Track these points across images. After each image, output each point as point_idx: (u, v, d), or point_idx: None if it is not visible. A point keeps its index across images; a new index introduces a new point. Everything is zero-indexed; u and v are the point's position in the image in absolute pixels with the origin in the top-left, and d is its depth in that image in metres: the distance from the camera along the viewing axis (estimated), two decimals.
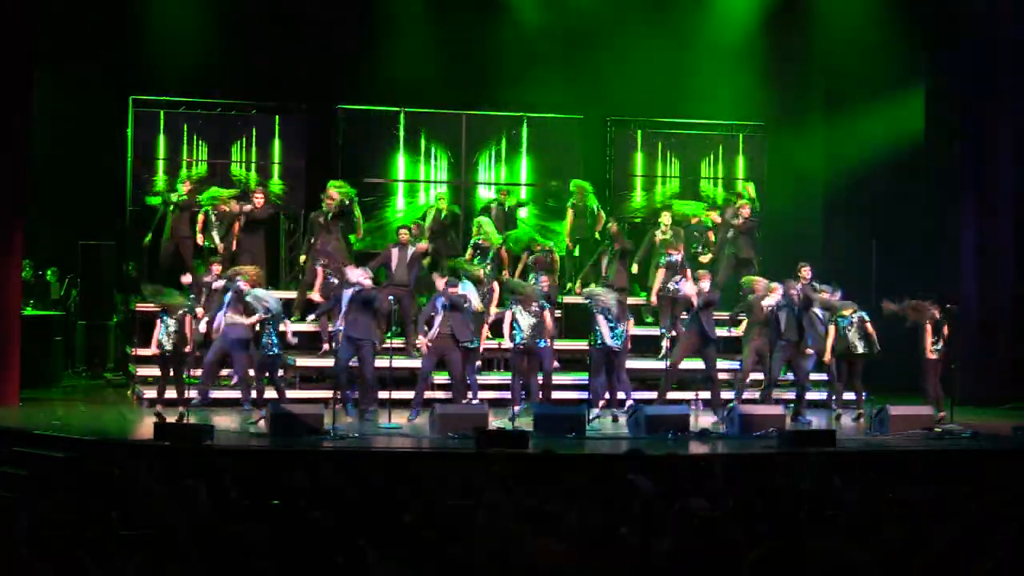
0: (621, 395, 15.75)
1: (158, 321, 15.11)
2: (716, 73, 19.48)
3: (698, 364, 16.26)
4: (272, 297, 15.36)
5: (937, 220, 19.13)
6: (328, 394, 15.27)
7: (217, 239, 17.37)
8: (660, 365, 16.43)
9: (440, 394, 15.85)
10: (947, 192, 18.97)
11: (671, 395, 16.20)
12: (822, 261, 19.35)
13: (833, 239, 20.03)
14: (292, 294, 17.44)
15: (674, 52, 19.45)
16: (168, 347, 14.94)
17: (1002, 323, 18.43)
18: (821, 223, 20.34)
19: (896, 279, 17.76)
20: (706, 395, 16.54)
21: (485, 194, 19.53)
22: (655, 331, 17.73)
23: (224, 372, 15.75)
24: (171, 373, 15.05)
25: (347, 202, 17.43)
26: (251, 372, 15.30)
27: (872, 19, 19.11)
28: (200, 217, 17.48)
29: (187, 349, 15.04)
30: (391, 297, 16.07)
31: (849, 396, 16.57)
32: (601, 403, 15.77)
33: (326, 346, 16.50)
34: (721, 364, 17.08)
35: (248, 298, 15.00)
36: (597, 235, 18.55)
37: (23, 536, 6.80)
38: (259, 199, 17.46)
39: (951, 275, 18.48)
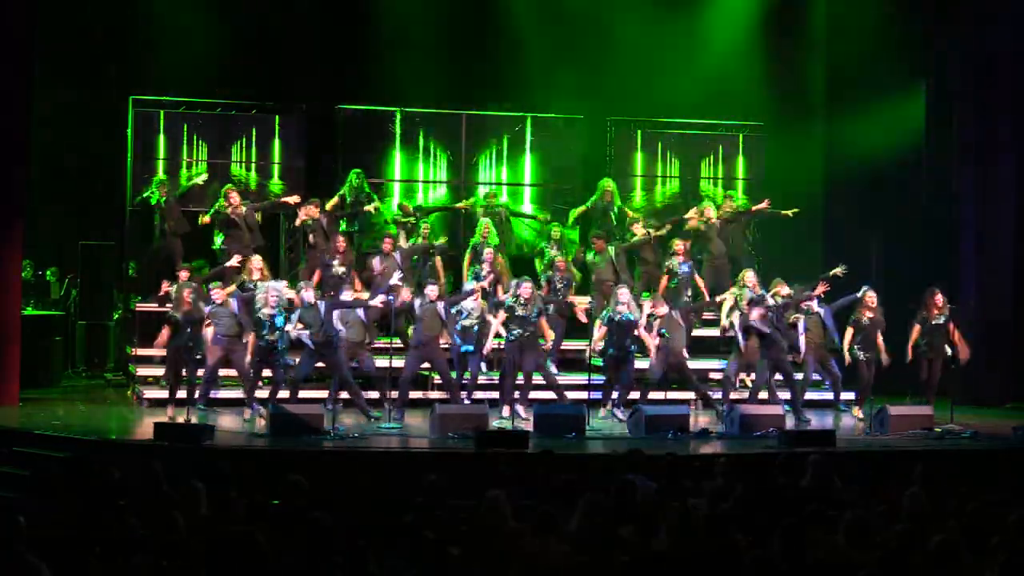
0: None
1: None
2: (716, 73, 19.45)
3: (696, 364, 16.34)
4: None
5: (937, 219, 19.10)
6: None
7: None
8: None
9: (435, 394, 15.89)
10: (947, 192, 18.94)
11: (671, 395, 16.16)
12: (821, 261, 19.34)
13: (833, 239, 20.00)
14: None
15: (674, 52, 19.43)
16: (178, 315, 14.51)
17: (1002, 323, 18.40)
18: (821, 223, 20.30)
19: (896, 279, 17.73)
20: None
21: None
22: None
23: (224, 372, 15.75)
24: (183, 372, 14.77)
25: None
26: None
27: (872, 19, 19.08)
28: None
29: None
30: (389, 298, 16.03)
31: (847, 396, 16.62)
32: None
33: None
34: (716, 364, 17.13)
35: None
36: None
37: (23, 536, 6.80)
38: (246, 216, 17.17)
39: (951, 275, 18.45)
